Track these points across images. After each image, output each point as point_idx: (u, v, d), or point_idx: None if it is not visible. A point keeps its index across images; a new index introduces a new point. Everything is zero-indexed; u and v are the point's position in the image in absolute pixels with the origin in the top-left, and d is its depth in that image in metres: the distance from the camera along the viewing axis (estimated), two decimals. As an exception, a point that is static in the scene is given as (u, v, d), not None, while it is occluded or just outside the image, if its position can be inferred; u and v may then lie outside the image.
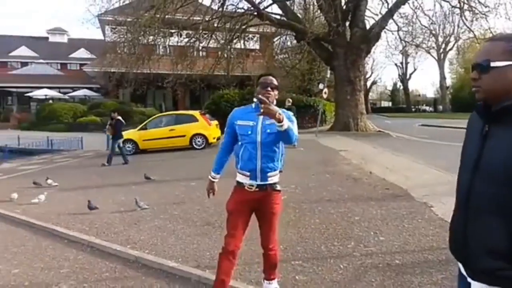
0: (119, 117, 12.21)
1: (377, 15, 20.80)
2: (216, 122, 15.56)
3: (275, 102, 2.67)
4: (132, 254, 4.11)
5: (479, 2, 18.07)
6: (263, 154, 2.66)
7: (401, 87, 60.84)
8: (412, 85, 72.64)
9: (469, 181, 1.36)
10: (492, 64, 1.30)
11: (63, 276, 3.73)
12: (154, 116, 16.38)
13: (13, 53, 47.47)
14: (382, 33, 20.32)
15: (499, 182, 1.25)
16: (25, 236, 5.05)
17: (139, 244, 4.45)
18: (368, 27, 19.82)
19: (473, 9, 18.26)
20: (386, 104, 67.37)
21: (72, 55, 47.49)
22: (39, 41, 49.28)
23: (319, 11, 21.50)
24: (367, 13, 20.48)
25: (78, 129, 25.13)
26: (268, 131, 2.62)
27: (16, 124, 31.32)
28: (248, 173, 2.70)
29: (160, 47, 20.88)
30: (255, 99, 2.66)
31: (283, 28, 21.10)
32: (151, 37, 18.25)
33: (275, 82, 2.71)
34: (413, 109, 53.55)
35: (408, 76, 57.67)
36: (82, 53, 46.38)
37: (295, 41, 23.24)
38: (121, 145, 12.15)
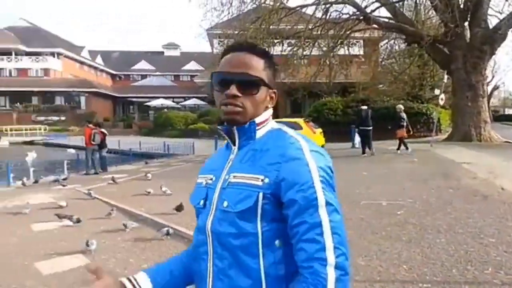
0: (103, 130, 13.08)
1: (500, 12, 18.41)
2: (320, 130, 15.37)
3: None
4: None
5: None
6: (220, 268, 1.01)
7: (530, 92, 53.38)
8: (544, 89, 63.16)
9: None
10: None
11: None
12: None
13: (134, 67, 53.76)
14: (509, 33, 17.89)
15: None
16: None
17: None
18: (491, 26, 17.66)
19: None
20: (511, 111, 59.85)
21: (184, 68, 51.89)
22: (155, 55, 54.95)
23: (430, 12, 19.91)
24: (489, 11, 18.25)
25: (189, 135, 27.28)
26: (225, 205, 1.01)
27: (137, 130, 35.26)
28: None
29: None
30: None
31: (391, 31, 19.99)
32: (256, 48, 18.76)
33: (252, 63, 1.08)
34: (547, 117, 46.30)
35: (539, 79, 50.32)
36: (192, 65, 50.39)
37: (403, 45, 21.86)
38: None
